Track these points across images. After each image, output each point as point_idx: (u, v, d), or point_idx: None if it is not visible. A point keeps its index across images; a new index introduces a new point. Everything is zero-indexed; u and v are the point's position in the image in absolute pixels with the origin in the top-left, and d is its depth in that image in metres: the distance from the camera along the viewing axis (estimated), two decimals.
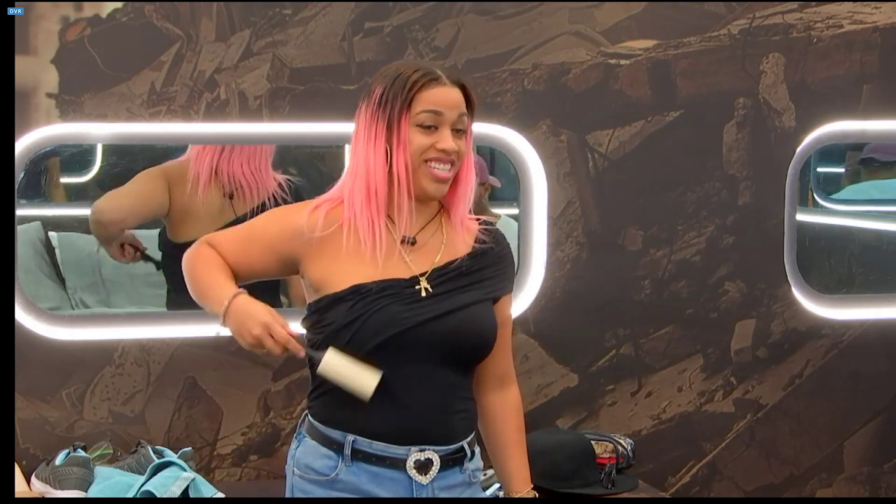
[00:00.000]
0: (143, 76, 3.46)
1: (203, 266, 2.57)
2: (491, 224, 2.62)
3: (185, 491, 3.09)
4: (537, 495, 2.65)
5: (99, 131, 3.49)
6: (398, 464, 2.49)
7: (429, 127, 2.46)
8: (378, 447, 2.48)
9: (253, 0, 3.52)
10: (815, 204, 5.22)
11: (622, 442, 3.64)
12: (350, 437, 2.49)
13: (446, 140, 2.46)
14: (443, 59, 3.63)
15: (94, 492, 3.16)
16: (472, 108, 2.53)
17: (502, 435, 2.63)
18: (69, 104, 3.41)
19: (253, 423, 3.61)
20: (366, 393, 2.41)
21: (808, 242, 4.31)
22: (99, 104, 3.43)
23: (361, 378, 2.41)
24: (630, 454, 3.64)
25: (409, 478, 2.49)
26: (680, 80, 3.79)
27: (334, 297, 2.49)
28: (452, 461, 2.53)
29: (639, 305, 3.83)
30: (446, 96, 2.47)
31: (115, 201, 3.81)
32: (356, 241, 2.49)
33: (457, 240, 2.57)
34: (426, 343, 2.48)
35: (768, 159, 3.87)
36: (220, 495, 3.17)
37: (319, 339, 2.51)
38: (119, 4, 3.44)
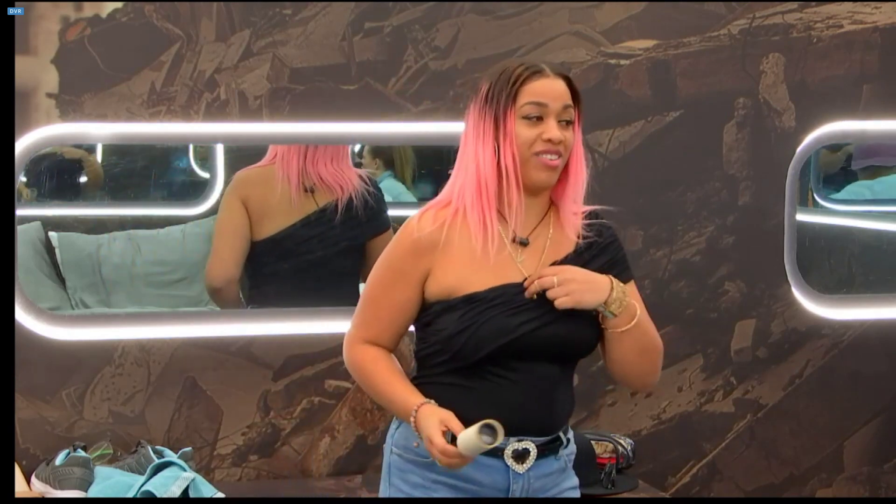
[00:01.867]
0: (143, 76, 3.46)
1: (369, 375, 2.58)
2: (594, 216, 2.62)
3: (185, 491, 3.09)
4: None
5: (99, 131, 3.49)
6: (496, 452, 2.50)
7: (534, 118, 2.49)
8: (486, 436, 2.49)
9: (253, 0, 3.52)
10: (815, 204, 5.22)
11: (622, 442, 3.64)
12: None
13: (552, 129, 2.48)
14: (443, 59, 3.63)
15: (94, 492, 3.16)
16: (577, 100, 2.55)
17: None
18: (69, 104, 3.41)
19: (253, 423, 3.62)
20: (481, 446, 2.40)
21: (808, 242, 4.31)
22: (99, 104, 3.43)
23: (471, 440, 2.40)
24: (630, 454, 3.64)
25: (507, 466, 2.53)
26: (680, 80, 3.79)
27: (446, 304, 2.52)
28: (548, 450, 2.57)
29: None
30: (550, 87, 2.50)
31: (220, 265, 3.77)
32: (465, 235, 2.51)
33: (562, 236, 2.58)
34: (533, 348, 2.51)
35: (768, 159, 3.87)
36: (220, 495, 3.17)
37: (431, 343, 2.54)
38: (119, 4, 3.44)
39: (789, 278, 3.90)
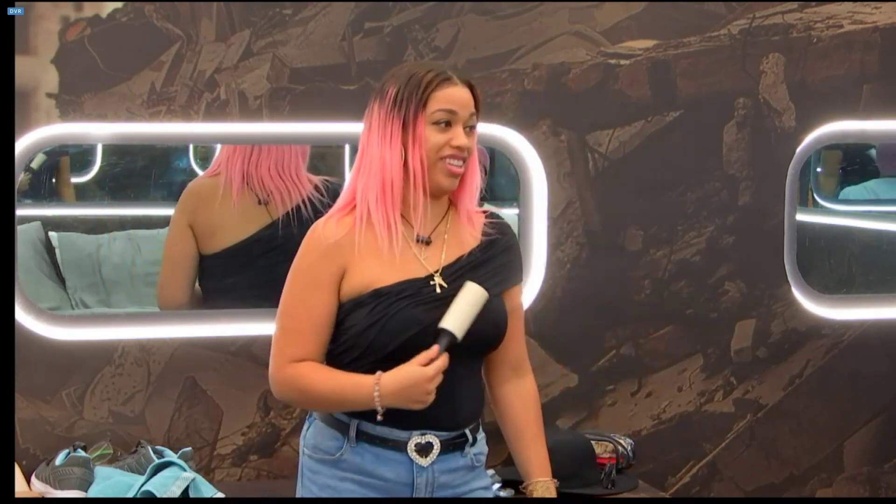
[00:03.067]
0: (143, 76, 3.46)
1: (310, 383, 2.58)
2: (496, 216, 2.70)
3: (185, 491, 3.09)
4: (557, 484, 2.70)
5: (99, 131, 3.49)
6: (400, 446, 2.58)
7: (444, 124, 2.58)
8: (381, 430, 2.57)
9: (253, 0, 3.52)
10: (815, 204, 5.23)
11: (622, 442, 3.64)
12: (355, 421, 2.58)
13: (460, 137, 2.58)
14: (443, 59, 3.63)
15: (94, 492, 3.16)
16: (478, 106, 2.64)
17: (519, 424, 2.70)
18: (69, 104, 3.41)
19: (253, 423, 3.62)
20: (483, 294, 2.55)
21: (808, 242, 4.31)
22: (99, 104, 3.43)
23: (473, 299, 2.54)
24: (630, 454, 3.64)
25: (410, 460, 2.58)
26: (680, 80, 3.79)
27: (355, 301, 2.58)
28: (453, 445, 2.61)
29: (639, 305, 3.83)
30: (459, 96, 2.59)
31: (167, 293, 3.75)
32: (371, 236, 2.58)
33: (463, 233, 2.65)
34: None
35: (768, 159, 3.87)
36: (220, 495, 3.17)
37: (342, 341, 2.59)
38: (119, 4, 3.44)
39: (789, 278, 3.90)
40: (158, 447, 3.31)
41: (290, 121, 3.55)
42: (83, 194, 4.74)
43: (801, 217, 4.06)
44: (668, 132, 3.80)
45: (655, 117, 3.79)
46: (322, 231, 2.61)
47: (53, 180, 4.68)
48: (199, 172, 4.74)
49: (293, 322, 2.60)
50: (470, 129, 2.61)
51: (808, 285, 3.92)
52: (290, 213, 3.75)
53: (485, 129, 3.60)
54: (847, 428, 4.03)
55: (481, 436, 2.70)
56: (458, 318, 2.53)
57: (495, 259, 2.65)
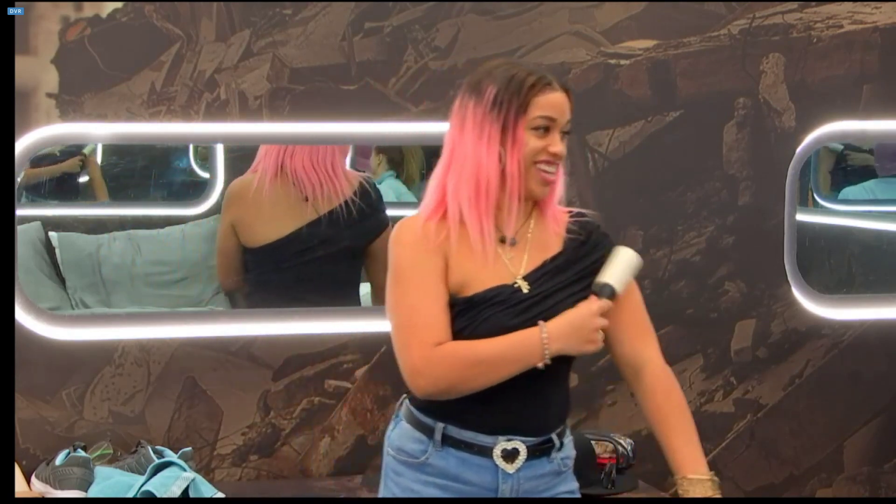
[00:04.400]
0: (143, 76, 3.46)
1: (473, 351, 2.50)
2: (581, 214, 2.66)
3: (185, 491, 3.09)
4: (715, 479, 2.64)
5: (99, 131, 3.49)
6: (486, 451, 2.54)
7: (542, 130, 2.54)
8: (467, 434, 2.54)
9: (253, 0, 3.52)
10: (815, 204, 5.22)
11: (622, 442, 3.64)
12: (440, 424, 2.54)
13: (556, 144, 2.55)
14: (443, 59, 3.63)
15: (94, 492, 3.16)
16: (572, 112, 2.60)
17: (659, 423, 2.66)
18: (69, 104, 3.41)
19: (253, 423, 3.62)
20: (638, 258, 2.61)
21: (808, 242, 4.31)
22: (99, 104, 3.44)
23: (630, 261, 2.60)
24: (630, 454, 3.64)
25: (496, 466, 2.54)
26: (680, 80, 3.79)
27: (452, 301, 2.53)
28: (540, 451, 2.57)
29: None
30: (559, 102, 2.56)
31: (224, 281, 3.95)
32: (463, 235, 2.53)
33: (547, 234, 2.61)
34: None
35: (768, 159, 3.87)
36: (220, 495, 3.17)
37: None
38: (119, 4, 3.44)
39: (789, 278, 3.90)
40: (158, 447, 3.31)
41: (290, 121, 3.55)
42: (83, 194, 4.73)
43: (801, 217, 4.05)
44: (668, 132, 3.80)
45: (655, 117, 3.79)
46: (423, 230, 2.53)
47: (85, 179, 4.69)
48: (200, 172, 4.73)
49: (422, 313, 2.50)
50: (563, 134, 2.57)
51: (808, 285, 3.93)
52: (333, 211, 3.83)
53: None
54: (847, 428, 4.03)
55: (568, 440, 2.65)
56: (615, 274, 2.55)
57: (582, 260, 2.60)
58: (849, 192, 5.33)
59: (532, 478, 2.57)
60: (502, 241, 2.58)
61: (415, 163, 4.77)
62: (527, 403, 2.54)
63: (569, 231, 2.62)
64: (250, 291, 3.92)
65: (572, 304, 2.54)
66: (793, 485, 3.99)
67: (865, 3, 3.90)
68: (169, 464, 3.16)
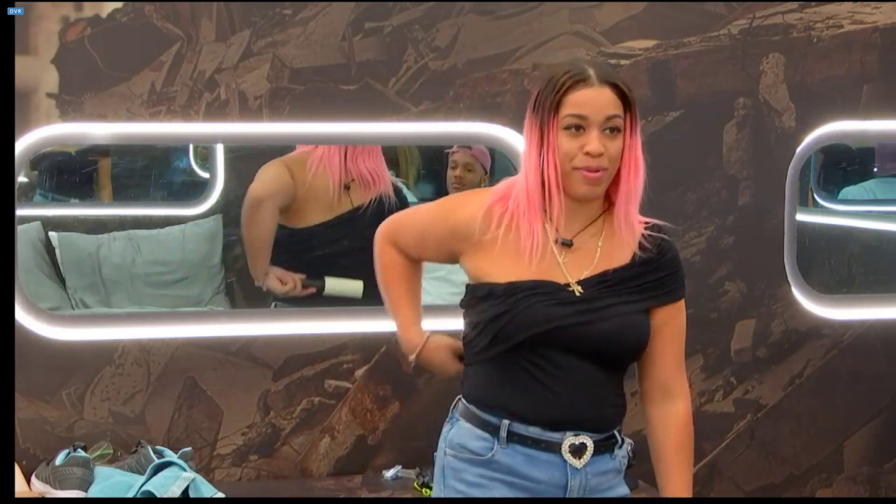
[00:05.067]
0: (143, 76, 3.46)
1: (391, 278, 2.74)
2: (658, 229, 2.57)
3: (185, 491, 3.09)
4: None
5: (99, 131, 3.49)
6: (554, 447, 2.51)
7: (574, 129, 2.45)
8: (534, 431, 2.51)
9: (253, 0, 3.52)
10: (816, 204, 5.22)
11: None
12: (506, 421, 2.51)
13: (592, 142, 2.44)
14: (443, 59, 3.63)
15: (94, 492, 3.16)
16: (629, 105, 2.49)
17: (661, 450, 2.60)
18: (69, 104, 3.41)
19: (253, 423, 3.62)
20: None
21: (808, 242, 4.31)
22: (99, 104, 3.43)
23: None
24: (630, 454, 3.64)
25: (564, 461, 2.52)
26: (680, 80, 3.79)
27: (490, 287, 2.52)
28: (604, 447, 2.55)
29: None
30: (592, 98, 2.45)
31: (263, 182, 3.93)
32: (515, 239, 2.51)
33: (618, 242, 2.54)
34: (572, 343, 2.50)
35: (768, 159, 3.87)
36: (220, 495, 3.17)
37: (475, 325, 2.55)
38: (119, 4, 3.44)
39: (789, 278, 3.90)
40: (158, 447, 3.32)
41: (290, 121, 3.55)
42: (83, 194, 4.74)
43: (801, 217, 4.05)
44: (668, 132, 3.80)
45: (655, 117, 3.79)
46: (482, 223, 2.53)
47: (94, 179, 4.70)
48: (200, 172, 4.74)
49: (412, 229, 2.71)
50: (611, 130, 2.45)
51: (808, 285, 3.92)
52: (372, 202, 3.94)
53: (485, 129, 3.61)
54: (847, 428, 4.03)
55: (626, 442, 2.62)
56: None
57: (644, 276, 2.53)
58: (849, 192, 5.34)
59: (598, 474, 2.54)
60: (563, 244, 2.52)
61: (409, 163, 4.78)
62: (589, 399, 2.51)
63: (641, 244, 2.54)
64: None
65: (623, 314, 2.51)
66: (793, 485, 3.99)
67: (865, 3, 3.90)
68: (169, 464, 3.16)
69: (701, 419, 3.88)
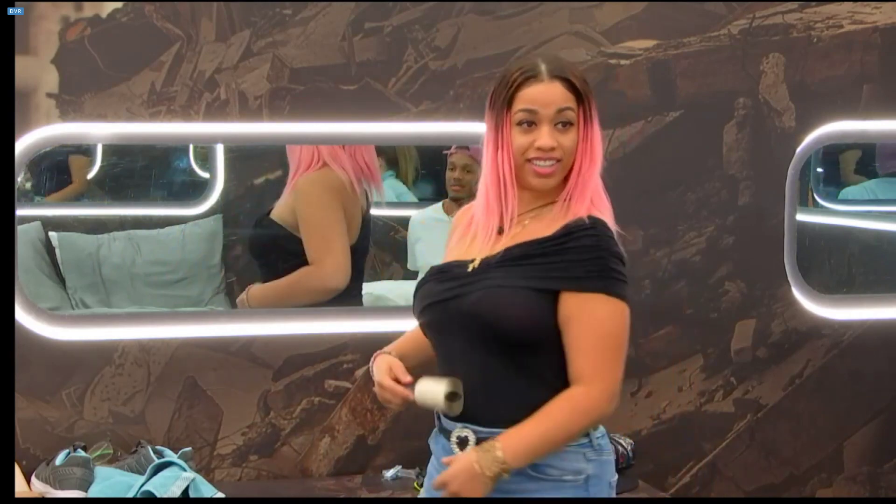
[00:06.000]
0: (143, 76, 3.46)
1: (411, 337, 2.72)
2: (590, 219, 2.52)
3: (185, 491, 3.09)
4: (499, 460, 2.45)
5: (99, 131, 3.49)
6: (448, 436, 2.53)
7: (526, 125, 2.49)
8: (445, 421, 2.55)
9: (253, 0, 3.52)
10: (816, 204, 5.22)
11: (622, 442, 3.64)
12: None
13: (543, 137, 2.47)
14: (443, 59, 3.63)
15: (94, 492, 3.16)
16: (582, 99, 2.51)
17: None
18: (69, 104, 3.42)
19: (253, 423, 3.62)
20: (440, 406, 2.49)
21: (808, 242, 4.31)
22: (99, 104, 3.44)
23: (435, 395, 2.49)
24: (630, 454, 3.64)
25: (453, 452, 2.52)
26: (680, 80, 3.79)
27: None
28: None
29: (639, 305, 3.81)
30: (542, 93, 2.48)
31: (339, 264, 3.70)
32: (471, 232, 2.59)
33: (546, 226, 2.53)
34: (450, 319, 2.50)
35: (768, 159, 3.87)
36: (220, 495, 3.17)
37: None
38: (119, 4, 3.44)
39: (789, 278, 3.90)
40: (158, 447, 3.32)
41: (290, 121, 3.55)
42: (83, 194, 4.73)
43: (801, 217, 4.05)
44: (668, 132, 3.80)
45: (655, 117, 3.79)
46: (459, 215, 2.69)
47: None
48: (200, 172, 4.73)
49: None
50: (563, 125, 2.49)
51: (808, 285, 3.92)
52: (369, 204, 3.86)
53: (485, 129, 3.61)
54: (847, 428, 4.03)
55: (565, 448, 2.50)
56: (429, 389, 2.49)
57: (547, 256, 2.48)
58: (849, 192, 5.34)
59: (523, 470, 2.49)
60: (499, 231, 2.54)
61: (408, 162, 4.77)
62: (482, 390, 2.48)
63: (560, 228, 2.51)
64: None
65: (496, 293, 2.46)
66: (793, 485, 3.99)
67: (865, 3, 3.90)
68: (169, 464, 3.16)
69: (701, 419, 3.90)
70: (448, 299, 2.51)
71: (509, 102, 2.49)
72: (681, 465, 3.91)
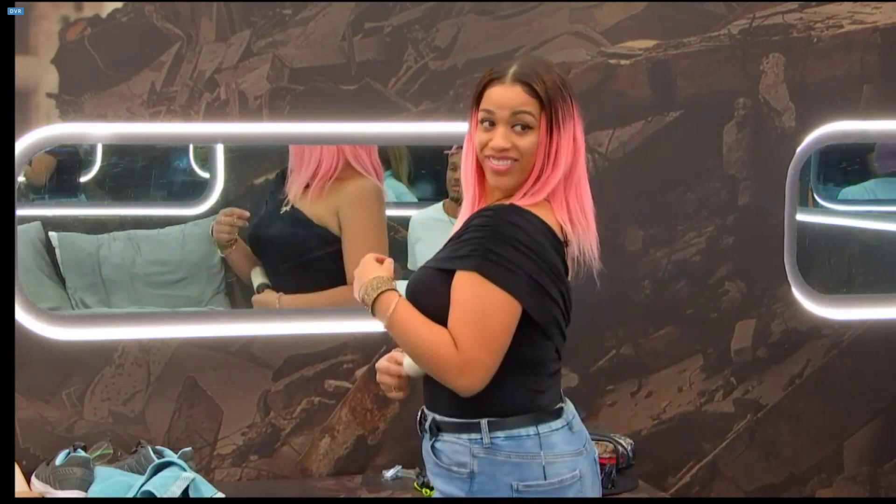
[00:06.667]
0: (143, 76, 3.46)
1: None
2: (488, 207, 2.61)
3: (185, 491, 3.09)
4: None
5: (99, 131, 3.49)
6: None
7: (487, 124, 2.61)
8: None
9: (253, 0, 3.52)
10: (816, 204, 5.22)
11: (622, 442, 3.64)
12: None
13: (496, 138, 2.58)
14: (443, 59, 3.63)
15: (94, 492, 3.16)
16: (543, 104, 2.57)
17: None
18: (69, 104, 3.41)
19: (253, 423, 3.62)
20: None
21: (808, 242, 4.31)
22: (99, 104, 3.44)
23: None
24: (630, 454, 3.64)
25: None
26: (680, 80, 3.79)
27: None
28: (421, 428, 2.67)
29: (639, 305, 3.83)
30: (501, 95, 2.59)
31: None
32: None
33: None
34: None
35: (768, 159, 3.87)
36: (220, 495, 3.17)
37: None
38: (119, 4, 3.44)
39: (789, 278, 3.90)
40: (158, 447, 3.32)
41: (290, 121, 3.55)
42: (83, 194, 4.73)
43: (801, 217, 4.05)
44: (668, 132, 3.80)
45: (655, 117, 3.79)
46: None
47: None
48: (200, 172, 4.73)
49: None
50: (521, 127, 2.57)
51: (808, 285, 3.92)
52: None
53: None
54: (847, 428, 4.03)
55: (450, 439, 2.59)
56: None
57: (455, 240, 2.60)
58: (849, 192, 5.33)
59: (426, 451, 2.65)
60: None
61: (399, 161, 4.77)
62: (427, 379, 2.62)
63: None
64: None
65: (416, 274, 2.65)
66: (793, 485, 3.99)
67: (865, 3, 3.90)
68: (169, 464, 3.16)
69: (701, 419, 3.90)
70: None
71: (478, 101, 2.63)
72: (681, 465, 3.91)
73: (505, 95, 2.58)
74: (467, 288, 2.51)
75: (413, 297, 2.60)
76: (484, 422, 2.55)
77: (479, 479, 2.57)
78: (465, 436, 2.57)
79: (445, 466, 2.60)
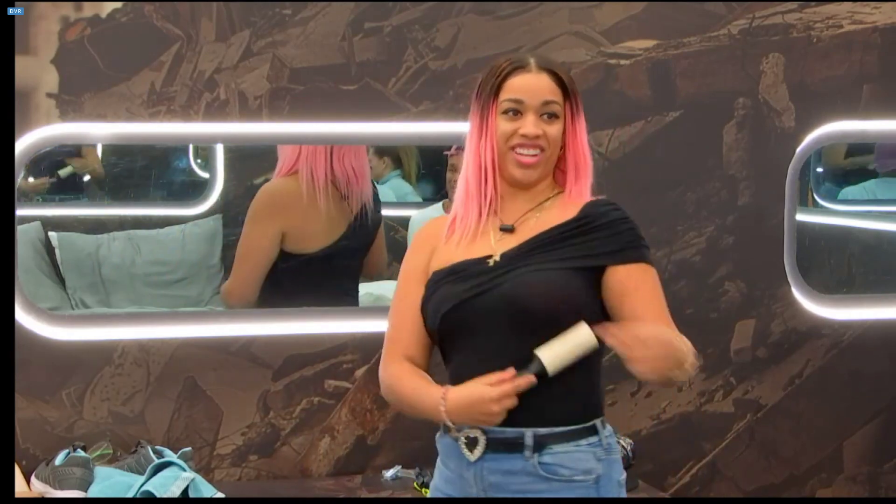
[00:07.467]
0: (143, 76, 3.46)
1: (398, 387, 2.56)
2: (605, 202, 2.54)
3: (185, 491, 3.09)
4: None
5: (99, 131, 3.49)
6: (456, 437, 2.50)
7: (512, 113, 2.50)
8: (451, 421, 2.49)
9: (253, 0, 3.52)
10: (815, 204, 5.22)
11: (622, 442, 3.64)
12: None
13: (528, 125, 2.49)
14: (443, 59, 3.63)
15: (94, 492, 3.16)
16: (568, 93, 2.53)
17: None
18: (69, 104, 3.41)
19: (253, 423, 3.62)
20: (591, 342, 2.45)
21: (808, 242, 4.31)
22: (99, 104, 3.44)
23: (578, 340, 2.44)
24: (630, 454, 3.64)
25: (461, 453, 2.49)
26: (680, 80, 3.79)
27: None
28: (505, 446, 2.46)
29: None
30: (529, 83, 2.51)
31: (240, 289, 3.76)
32: (461, 229, 2.56)
33: (557, 216, 2.53)
34: (479, 315, 2.47)
35: (768, 159, 3.87)
36: (220, 495, 3.17)
37: None
38: (119, 4, 3.44)
39: (789, 278, 3.90)
40: (158, 447, 3.32)
41: (289, 121, 3.55)
42: (83, 194, 4.73)
43: (801, 217, 4.05)
44: (668, 132, 3.80)
45: (655, 117, 3.79)
46: (427, 228, 2.63)
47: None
48: (199, 172, 4.73)
49: (397, 318, 2.58)
50: (549, 116, 2.50)
51: (808, 285, 3.92)
52: (362, 208, 3.80)
53: None
54: (847, 428, 4.03)
55: (568, 449, 2.48)
56: (554, 349, 2.40)
57: (572, 238, 2.49)
58: (849, 192, 5.34)
59: (498, 472, 2.47)
60: (504, 229, 2.53)
61: (410, 159, 4.77)
62: (530, 393, 2.42)
63: (578, 213, 2.52)
64: (286, 298, 3.75)
65: (535, 278, 2.46)
66: (793, 485, 3.99)
67: (865, 3, 3.90)
68: (169, 464, 3.16)
69: (701, 419, 3.90)
70: (475, 296, 2.47)
71: (496, 91, 2.51)
72: (681, 465, 3.91)
73: (535, 83, 2.50)
74: (648, 279, 2.58)
75: (548, 298, 2.44)
76: (598, 422, 2.52)
77: (604, 482, 2.50)
78: (583, 441, 2.49)
79: (566, 479, 2.47)
